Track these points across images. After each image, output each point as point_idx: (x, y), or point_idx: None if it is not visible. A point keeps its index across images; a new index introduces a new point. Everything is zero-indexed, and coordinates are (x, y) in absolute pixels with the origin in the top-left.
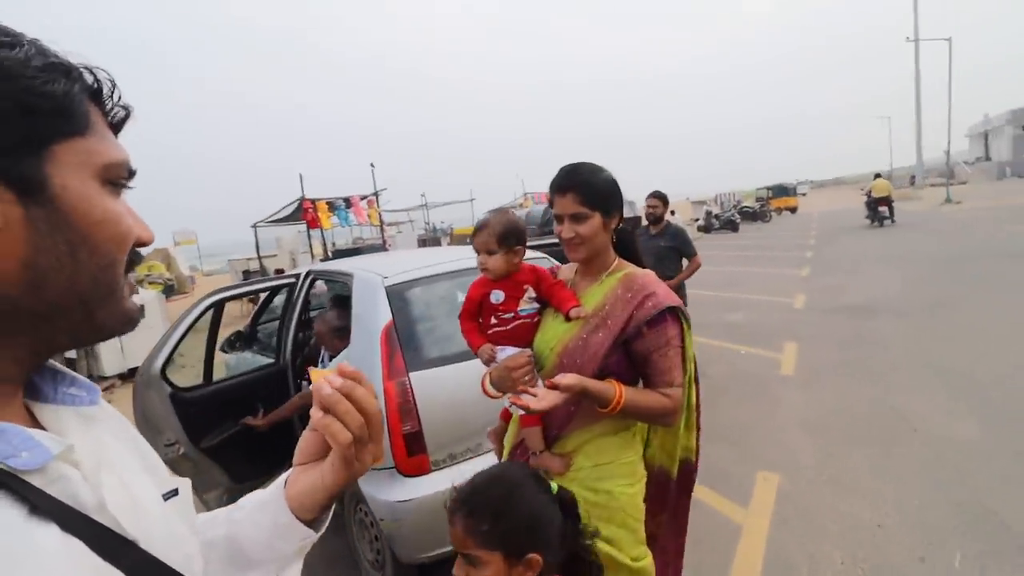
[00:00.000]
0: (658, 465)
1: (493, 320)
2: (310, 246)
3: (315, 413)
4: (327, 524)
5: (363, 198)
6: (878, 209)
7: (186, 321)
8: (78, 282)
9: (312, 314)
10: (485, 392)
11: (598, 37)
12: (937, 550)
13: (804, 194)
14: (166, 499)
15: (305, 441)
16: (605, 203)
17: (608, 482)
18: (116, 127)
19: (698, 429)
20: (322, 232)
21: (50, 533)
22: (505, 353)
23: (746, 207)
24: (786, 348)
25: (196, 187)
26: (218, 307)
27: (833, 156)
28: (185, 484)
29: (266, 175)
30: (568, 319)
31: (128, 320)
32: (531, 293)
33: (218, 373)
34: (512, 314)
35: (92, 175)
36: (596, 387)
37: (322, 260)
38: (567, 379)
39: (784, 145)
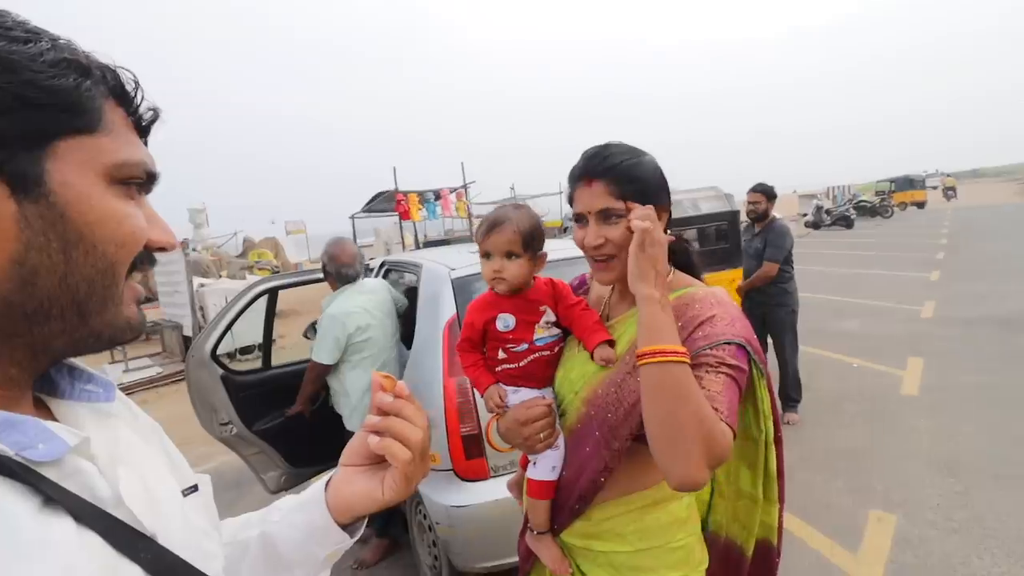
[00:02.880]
0: (725, 537)
1: (501, 354)
2: (402, 237)
3: (374, 419)
4: (361, 532)
5: (452, 190)
6: None
7: (236, 307)
8: (71, 283)
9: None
10: (491, 446)
11: (710, 32)
12: None
13: (950, 193)
14: (186, 495)
15: (358, 441)
16: (649, 196)
17: (652, 574)
18: (143, 130)
19: (781, 503)
20: (414, 224)
21: (65, 525)
22: (519, 397)
23: (864, 201)
24: (910, 364)
25: (306, 183)
26: (271, 295)
27: (971, 145)
28: (205, 480)
29: (367, 173)
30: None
31: (128, 328)
32: (549, 316)
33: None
34: (526, 345)
35: (99, 174)
36: (664, 308)
37: (412, 251)
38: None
39: (909, 138)
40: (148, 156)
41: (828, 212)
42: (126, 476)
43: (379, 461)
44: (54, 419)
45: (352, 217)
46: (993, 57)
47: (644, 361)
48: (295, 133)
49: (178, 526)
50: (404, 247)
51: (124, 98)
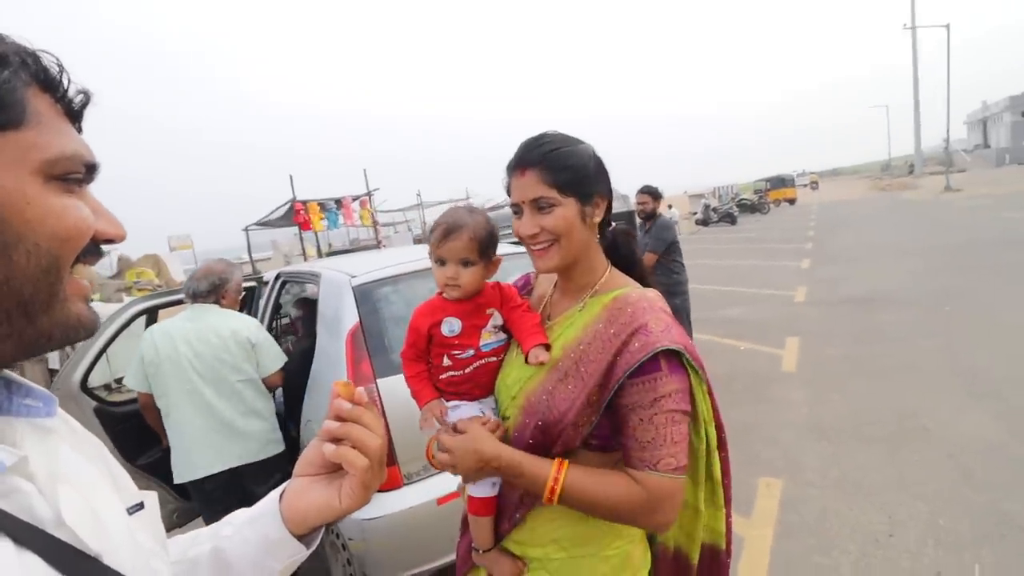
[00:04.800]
0: (674, 548)
1: (446, 361)
2: (303, 248)
3: (332, 425)
4: (317, 543)
5: (355, 198)
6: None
7: (108, 331)
8: (14, 286)
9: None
10: (432, 465)
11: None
12: (954, 561)
13: (815, 185)
14: (131, 513)
15: (312, 451)
16: (584, 184)
17: None
18: (75, 116)
19: (728, 505)
20: (316, 234)
21: (3, 548)
22: (459, 413)
23: (744, 199)
24: (788, 343)
25: (192, 191)
26: (150, 314)
27: (832, 145)
28: (152, 497)
29: (262, 179)
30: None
31: (78, 325)
32: (497, 320)
33: None
34: (472, 351)
35: (32, 171)
36: (516, 466)
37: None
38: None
39: (779, 137)
40: (84, 146)
41: (715, 210)
42: (67, 495)
43: (335, 470)
44: None
45: (246, 229)
46: (829, 58)
47: (546, 501)
48: (182, 148)
49: (125, 545)
50: (306, 259)
51: (49, 84)
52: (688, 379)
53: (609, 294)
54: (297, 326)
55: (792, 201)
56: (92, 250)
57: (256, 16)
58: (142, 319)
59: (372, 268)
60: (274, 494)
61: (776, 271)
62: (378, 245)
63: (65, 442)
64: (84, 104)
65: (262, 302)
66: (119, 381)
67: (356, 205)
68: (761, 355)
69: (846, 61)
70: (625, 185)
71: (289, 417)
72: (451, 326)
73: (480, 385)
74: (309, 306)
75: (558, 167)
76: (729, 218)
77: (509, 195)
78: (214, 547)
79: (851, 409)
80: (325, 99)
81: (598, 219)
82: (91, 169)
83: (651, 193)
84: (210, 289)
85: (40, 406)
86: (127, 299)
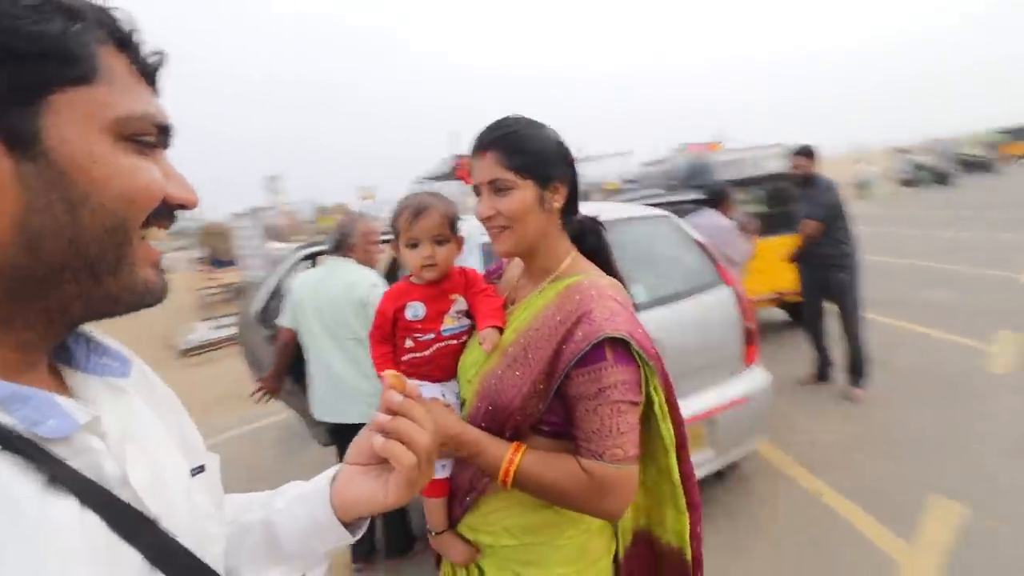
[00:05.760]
0: (644, 529)
1: (408, 342)
2: (466, 202)
3: (383, 419)
4: (363, 531)
5: None
6: None
7: (279, 270)
8: (81, 244)
9: None
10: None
11: None
12: None
13: None
14: (193, 475)
15: (364, 439)
16: (543, 168)
17: (538, 569)
18: (149, 77)
19: (693, 509)
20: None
21: (67, 506)
22: (426, 393)
23: (968, 155)
24: (1000, 338)
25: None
26: (314, 259)
27: None
28: (214, 460)
29: (438, 134)
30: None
31: (147, 292)
32: (460, 305)
33: None
34: (433, 335)
35: (101, 129)
36: (475, 444)
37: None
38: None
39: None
40: (157, 107)
41: (926, 168)
42: (133, 455)
43: (385, 461)
44: (67, 390)
45: (415, 182)
46: None
47: (500, 483)
48: (370, 110)
49: (183, 508)
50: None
51: (124, 43)
52: (637, 369)
53: (565, 280)
54: None
55: None
56: (163, 213)
57: None
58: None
59: None
60: (326, 477)
61: (1002, 247)
62: None
63: (140, 401)
64: (159, 65)
65: None
66: None
67: None
68: (964, 350)
69: None
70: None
71: None
72: (415, 310)
73: (441, 367)
74: None
75: (517, 150)
76: (941, 178)
77: (471, 175)
78: (265, 518)
79: None
80: (499, 57)
81: (558, 204)
82: (165, 131)
83: (805, 153)
84: (336, 243)
85: (116, 365)
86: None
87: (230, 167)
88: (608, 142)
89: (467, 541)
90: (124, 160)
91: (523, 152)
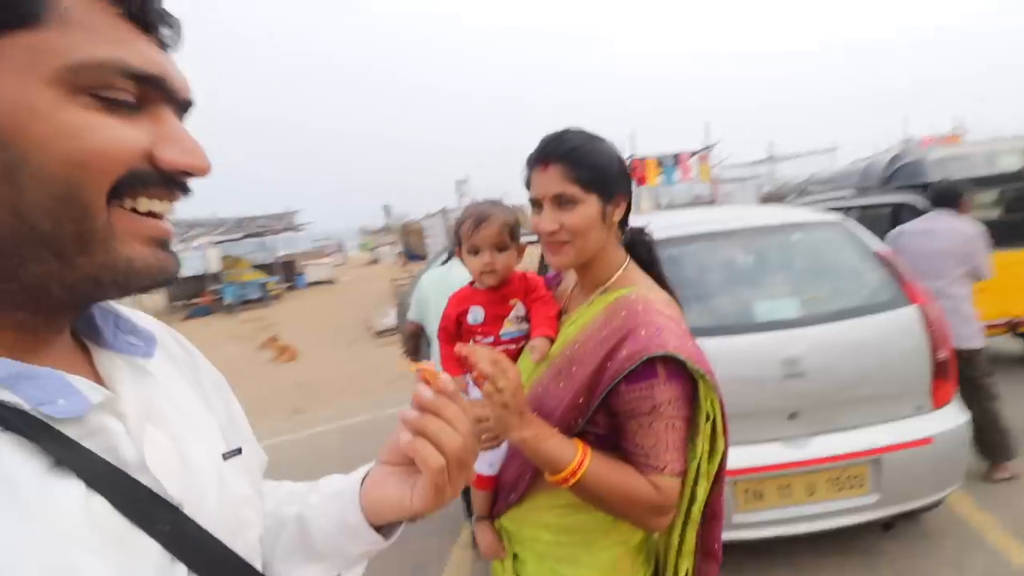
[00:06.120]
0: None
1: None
2: (639, 204)
3: (411, 415)
4: (396, 536)
5: (694, 153)
6: None
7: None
8: (27, 216)
9: None
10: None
11: None
12: None
13: None
14: (227, 458)
15: (395, 438)
16: (607, 183)
17: (573, 569)
18: (147, 24)
19: (714, 559)
20: (656, 189)
21: (71, 489)
22: (475, 394)
23: None
24: None
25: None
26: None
27: None
28: (253, 443)
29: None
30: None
31: (136, 271)
32: (519, 310)
33: None
34: (492, 339)
35: (46, 80)
36: (547, 436)
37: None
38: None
39: None
40: (139, 56)
41: None
42: (154, 437)
43: (414, 463)
44: (93, 369)
45: None
46: None
47: (562, 480)
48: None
49: (213, 493)
50: (640, 213)
51: None
52: (688, 384)
53: (614, 293)
54: None
55: None
56: (154, 180)
57: None
58: None
59: (661, 227)
60: (358, 475)
61: None
62: (712, 202)
63: (165, 382)
64: (152, 8)
65: None
66: None
67: (694, 160)
68: None
69: None
70: None
71: None
72: (475, 315)
73: None
74: None
75: (583, 164)
76: None
77: (528, 188)
78: (299, 513)
79: None
80: (659, 52)
81: (618, 218)
82: (157, 86)
83: None
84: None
85: (140, 345)
86: None
87: (426, 171)
88: (805, 137)
89: (499, 538)
90: (74, 117)
91: (589, 167)
